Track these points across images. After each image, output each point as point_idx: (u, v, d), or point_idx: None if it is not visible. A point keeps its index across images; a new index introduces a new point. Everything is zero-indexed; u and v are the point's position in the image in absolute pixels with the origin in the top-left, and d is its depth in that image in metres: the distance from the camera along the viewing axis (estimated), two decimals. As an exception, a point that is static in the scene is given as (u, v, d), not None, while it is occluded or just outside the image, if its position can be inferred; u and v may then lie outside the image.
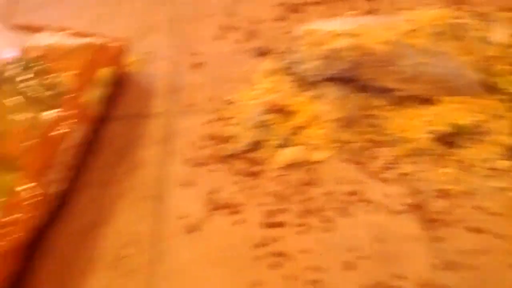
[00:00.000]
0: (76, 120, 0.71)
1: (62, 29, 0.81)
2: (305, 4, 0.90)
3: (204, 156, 0.73)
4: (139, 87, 0.84)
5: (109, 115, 0.80)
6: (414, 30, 0.70)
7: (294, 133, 0.72)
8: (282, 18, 0.89)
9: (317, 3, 0.89)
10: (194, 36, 0.89)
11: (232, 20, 0.90)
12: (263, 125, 0.72)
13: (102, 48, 0.79)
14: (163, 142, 0.76)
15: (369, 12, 0.86)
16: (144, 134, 0.77)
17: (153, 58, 0.87)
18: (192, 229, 0.66)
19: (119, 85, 0.83)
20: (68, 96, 0.72)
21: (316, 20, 0.82)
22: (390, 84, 0.70)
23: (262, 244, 0.64)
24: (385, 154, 0.69)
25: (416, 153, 0.68)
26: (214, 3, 0.94)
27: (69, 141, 0.69)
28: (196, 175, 0.71)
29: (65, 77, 0.73)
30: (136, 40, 0.87)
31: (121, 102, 0.82)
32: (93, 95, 0.75)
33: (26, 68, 0.72)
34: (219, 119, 0.77)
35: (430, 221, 0.63)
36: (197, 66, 0.84)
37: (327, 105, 0.71)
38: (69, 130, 0.70)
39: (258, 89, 0.78)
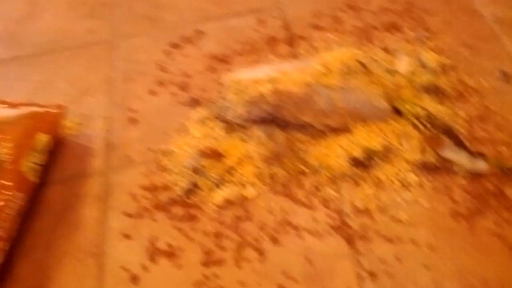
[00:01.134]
0: (16, 189, 0.72)
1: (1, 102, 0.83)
2: (232, 54, 0.94)
3: (143, 206, 0.75)
4: (77, 149, 0.85)
5: (48, 179, 0.81)
6: (326, 71, 0.76)
7: (228, 174, 0.75)
8: (212, 69, 0.93)
9: (241, 53, 0.94)
10: (129, 93, 0.91)
11: (165, 75, 0.93)
12: (197, 170, 0.75)
13: (39, 116, 0.81)
14: (103, 198, 0.78)
15: (291, 56, 0.91)
16: (84, 193, 0.79)
17: (90, 119, 0.89)
18: (135, 278, 0.68)
19: (57, 149, 0.84)
20: (8, 166, 0.73)
21: (241, 69, 0.88)
22: (308, 120, 0.75)
23: (202, 282, 0.66)
24: (310, 182, 0.74)
25: (337, 178, 0.73)
26: (146, 60, 0.97)
27: (9, 210, 0.71)
28: (136, 226, 0.73)
29: (5, 148, 0.75)
30: (74, 103, 0.89)
31: (59, 166, 0.83)
32: (31, 162, 0.76)
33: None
34: (156, 169, 0.79)
35: (353, 238, 0.68)
36: (133, 121, 0.87)
37: (255, 145, 0.75)
38: (9, 199, 0.71)
39: (192, 137, 0.81)
